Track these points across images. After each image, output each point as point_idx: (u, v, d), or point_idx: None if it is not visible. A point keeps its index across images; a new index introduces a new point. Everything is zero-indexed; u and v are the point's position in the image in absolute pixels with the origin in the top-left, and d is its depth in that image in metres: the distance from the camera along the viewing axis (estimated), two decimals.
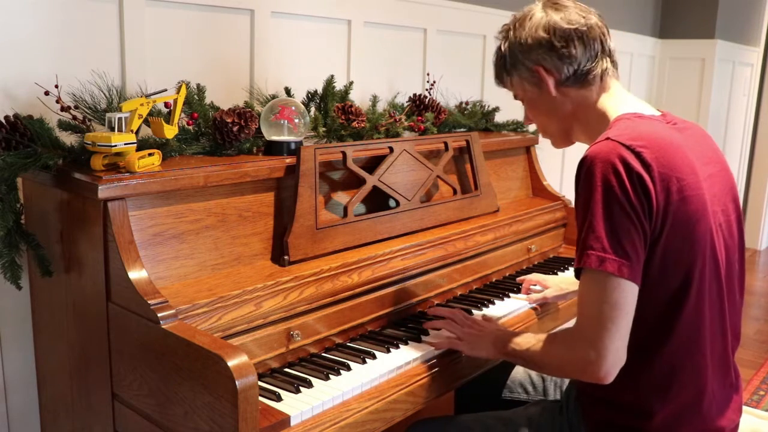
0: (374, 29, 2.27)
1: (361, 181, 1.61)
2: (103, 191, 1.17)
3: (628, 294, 1.10)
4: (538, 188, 2.28)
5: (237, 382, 0.98)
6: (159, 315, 1.12)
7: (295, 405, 1.16)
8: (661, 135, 1.16)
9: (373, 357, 1.36)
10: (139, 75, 1.65)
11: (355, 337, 1.48)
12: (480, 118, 2.29)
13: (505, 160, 2.19)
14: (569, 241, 2.22)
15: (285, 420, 1.11)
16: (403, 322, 1.57)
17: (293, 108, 1.58)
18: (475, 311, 1.64)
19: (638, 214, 1.09)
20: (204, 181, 1.31)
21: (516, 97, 1.39)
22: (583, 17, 1.26)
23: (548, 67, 1.27)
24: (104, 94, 1.40)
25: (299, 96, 1.82)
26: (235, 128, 1.48)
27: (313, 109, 1.80)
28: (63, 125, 1.35)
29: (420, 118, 2.00)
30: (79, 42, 1.55)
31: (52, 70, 1.48)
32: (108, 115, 1.27)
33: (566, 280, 1.79)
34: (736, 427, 1.30)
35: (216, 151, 1.51)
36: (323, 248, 1.49)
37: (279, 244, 1.45)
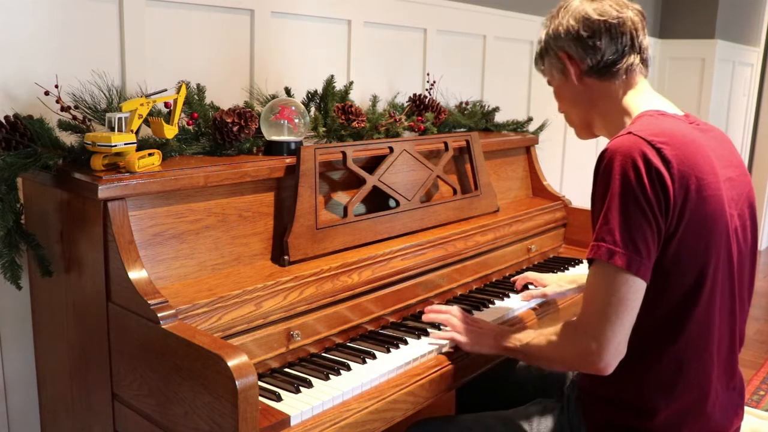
0: (374, 29, 2.27)
1: (361, 181, 1.61)
2: (103, 191, 1.17)
3: (635, 290, 1.10)
4: (538, 188, 2.28)
5: (237, 382, 0.98)
6: (159, 315, 1.12)
7: (295, 405, 1.16)
8: (683, 133, 1.16)
9: (373, 357, 1.36)
10: (139, 75, 1.65)
11: (355, 337, 1.48)
12: (480, 118, 2.29)
13: (505, 160, 2.19)
14: (569, 241, 2.22)
15: (285, 420, 1.11)
16: (403, 322, 1.57)
17: (293, 108, 1.58)
18: (475, 311, 1.63)
19: (654, 210, 1.09)
20: (204, 181, 1.31)
21: (548, 83, 1.42)
22: (617, 10, 1.26)
23: (573, 55, 1.29)
24: (104, 94, 1.40)
25: (299, 96, 1.82)
26: (235, 128, 1.48)
27: (313, 109, 1.80)
28: (63, 125, 1.35)
29: (420, 118, 2.00)
30: (79, 42, 1.55)
31: (52, 70, 1.48)
32: (108, 115, 1.27)
33: (564, 278, 1.80)
34: (738, 429, 1.30)
35: (216, 151, 1.51)
36: (323, 248, 1.49)
37: (279, 244, 1.45)
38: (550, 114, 2.21)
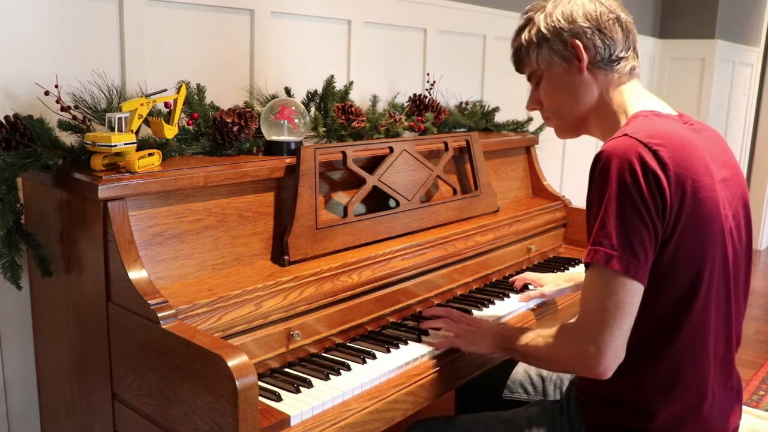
0: (374, 29, 2.27)
1: (361, 181, 1.61)
2: (103, 191, 1.17)
3: (632, 293, 1.10)
4: (538, 188, 2.28)
5: (237, 382, 0.98)
6: (159, 315, 1.12)
7: (295, 405, 1.16)
8: (678, 134, 1.16)
9: (373, 357, 1.36)
10: (139, 75, 1.65)
11: (355, 337, 1.48)
12: (480, 118, 2.29)
13: (505, 160, 2.19)
14: (569, 241, 2.23)
15: (285, 420, 1.11)
16: (403, 322, 1.57)
17: (293, 108, 1.58)
18: (474, 311, 1.64)
19: (651, 213, 1.09)
20: (204, 181, 1.31)
21: (531, 76, 1.35)
22: (624, 12, 1.29)
23: (587, 43, 1.25)
24: (104, 94, 1.40)
25: (299, 96, 1.82)
26: (235, 128, 1.48)
27: (313, 109, 1.80)
28: (63, 125, 1.35)
29: (420, 118, 2.00)
30: (79, 42, 1.55)
31: (52, 70, 1.48)
32: (108, 115, 1.27)
33: (562, 276, 1.80)
34: (736, 429, 1.30)
35: (216, 151, 1.51)
36: (323, 248, 1.49)
37: (279, 244, 1.45)
38: None
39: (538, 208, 2.11)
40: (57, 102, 1.35)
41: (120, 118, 1.26)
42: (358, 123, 1.75)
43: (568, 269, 1.99)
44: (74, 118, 1.36)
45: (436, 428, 1.43)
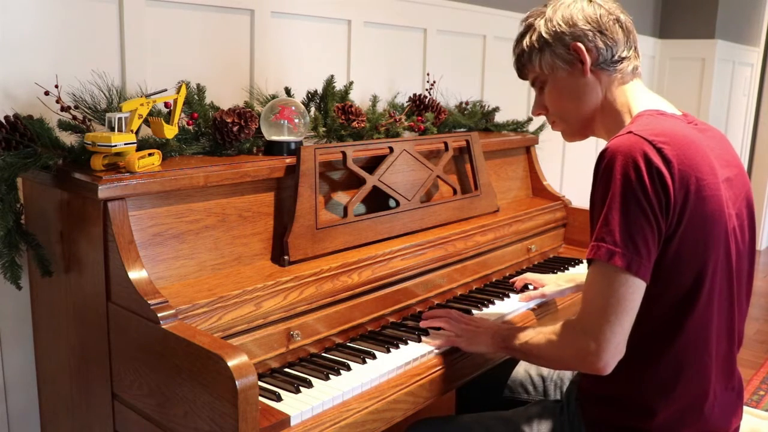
0: (374, 29, 2.27)
1: (361, 181, 1.61)
2: (103, 191, 1.17)
3: (634, 290, 1.10)
4: (538, 188, 2.28)
5: (237, 382, 0.98)
6: (159, 315, 1.12)
7: (295, 405, 1.16)
8: (683, 133, 1.16)
9: (373, 357, 1.36)
10: (139, 75, 1.65)
11: (355, 337, 1.48)
12: (480, 118, 2.29)
13: (505, 160, 2.19)
14: (569, 241, 2.22)
15: (285, 420, 1.11)
16: (403, 322, 1.57)
17: (293, 108, 1.58)
18: (474, 311, 1.64)
19: (654, 210, 1.09)
20: (204, 181, 1.31)
21: (534, 81, 1.36)
22: (623, 13, 1.30)
23: (589, 45, 1.26)
24: (104, 94, 1.40)
25: (299, 96, 1.83)
26: (235, 128, 1.48)
27: (313, 109, 1.80)
28: (63, 125, 1.35)
29: (420, 118, 2.00)
30: (79, 42, 1.55)
31: (52, 70, 1.48)
32: (108, 115, 1.27)
33: (563, 277, 1.80)
34: (737, 429, 1.30)
35: (216, 151, 1.51)
36: (323, 248, 1.49)
37: (279, 244, 1.45)
38: None
39: (538, 208, 2.11)
40: (57, 102, 1.35)
41: (120, 118, 1.26)
42: (358, 123, 1.75)
43: (568, 269, 1.99)
44: (74, 118, 1.36)
45: (436, 428, 1.43)
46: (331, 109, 1.78)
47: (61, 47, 1.52)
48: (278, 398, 1.17)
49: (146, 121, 1.35)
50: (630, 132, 1.14)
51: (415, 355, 1.38)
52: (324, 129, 1.76)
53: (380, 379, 1.29)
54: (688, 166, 1.11)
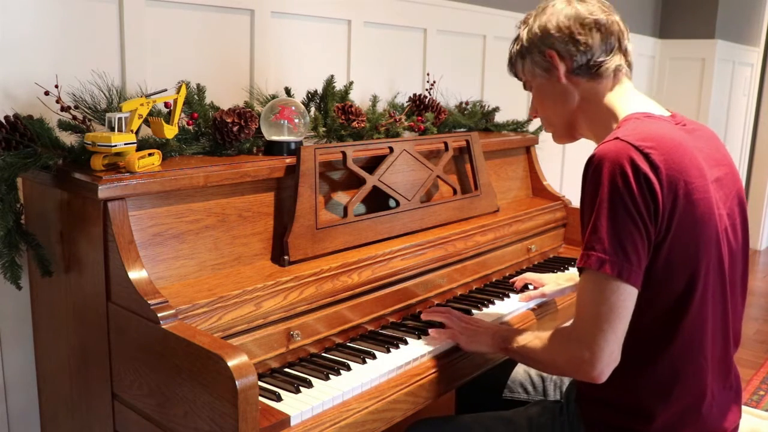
0: (374, 29, 2.27)
1: (361, 181, 1.61)
2: (103, 191, 1.17)
3: (626, 297, 1.10)
4: (538, 188, 2.28)
5: (237, 382, 0.98)
6: (159, 315, 1.12)
7: (295, 405, 1.16)
8: (670, 136, 1.16)
9: (373, 357, 1.36)
10: (139, 75, 1.65)
11: (355, 337, 1.48)
12: (480, 118, 2.29)
13: (505, 160, 2.19)
14: (569, 241, 2.23)
15: (285, 420, 1.11)
16: (403, 322, 1.57)
17: (293, 108, 1.58)
18: (474, 311, 1.64)
19: (643, 216, 1.09)
20: (204, 181, 1.31)
21: (525, 85, 1.40)
22: (605, 12, 1.28)
23: (562, 53, 1.27)
24: (104, 94, 1.40)
25: (299, 96, 1.83)
26: (235, 128, 1.48)
27: (313, 109, 1.80)
28: (63, 125, 1.35)
29: (420, 118, 2.00)
30: (79, 42, 1.55)
31: (52, 70, 1.48)
32: (108, 115, 1.27)
33: (563, 276, 1.80)
34: (736, 428, 1.30)
35: (216, 151, 1.51)
36: (323, 248, 1.49)
37: (279, 244, 1.45)
38: None
39: (538, 208, 2.11)
40: (57, 102, 1.35)
41: (120, 118, 1.26)
42: (358, 123, 1.75)
43: (568, 269, 1.99)
44: (74, 118, 1.36)
45: (436, 428, 1.43)
46: (331, 109, 1.78)
47: (61, 47, 1.52)
48: (278, 398, 1.17)
49: (146, 121, 1.35)
50: (617, 138, 1.13)
51: (415, 355, 1.38)
52: (324, 129, 1.76)
53: (380, 379, 1.29)
54: (675, 170, 1.11)
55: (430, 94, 2.15)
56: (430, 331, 1.47)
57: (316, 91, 1.82)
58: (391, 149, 1.68)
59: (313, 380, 1.24)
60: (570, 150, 3.45)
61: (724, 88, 4.50)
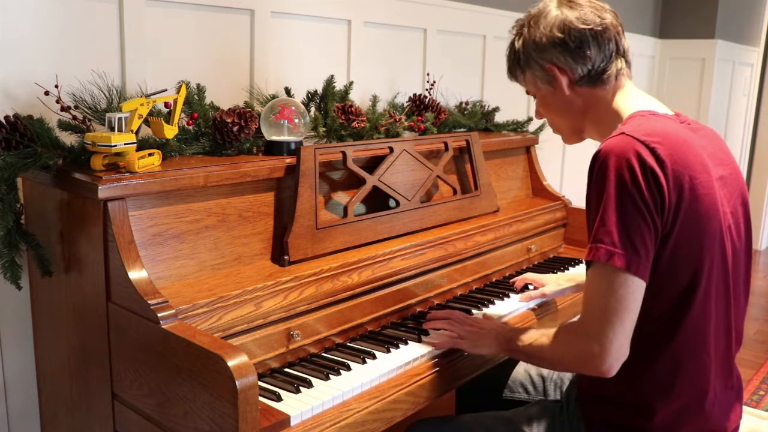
0: (374, 29, 2.27)
1: (361, 181, 1.61)
2: (103, 191, 1.17)
3: (634, 290, 1.10)
4: (538, 188, 2.28)
5: (237, 382, 0.98)
6: (159, 315, 1.12)
7: (295, 405, 1.16)
8: (675, 132, 1.16)
9: (373, 357, 1.36)
10: (139, 75, 1.65)
11: (355, 337, 1.48)
12: (480, 118, 2.29)
13: (505, 160, 2.19)
14: (569, 241, 2.23)
15: (285, 420, 1.11)
16: (403, 322, 1.57)
17: (293, 108, 1.58)
18: (474, 311, 1.64)
19: (650, 209, 1.09)
20: (204, 181, 1.31)
21: (528, 92, 1.40)
22: (599, 16, 1.26)
23: (562, 66, 1.27)
24: (104, 94, 1.40)
25: (299, 96, 1.82)
26: (235, 128, 1.48)
27: (313, 109, 1.80)
28: (63, 125, 1.35)
29: (420, 118, 2.00)
30: (79, 42, 1.55)
31: (52, 70, 1.48)
32: (108, 115, 1.27)
33: (563, 277, 1.80)
34: (737, 428, 1.30)
35: (216, 151, 1.51)
36: (323, 248, 1.49)
37: (279, 244, 1.45)
38: None
39: (538, 208, 2.11)
40: (57, 102, 1.35)
41: (120, 118, 1.26)
42: (358, 123, 1.75)
43: (568, 269, 1.99)
44: (74, 118, 1.36)
45: (436, 428, 1.43)
46: (331, 109, 1.78)
47: (61, 47, 1.52)
48: (278, 398, 1.17)
49: (146, 121, 1.35)
50: (622, 133, 1.14)
51: (415, 355, 1.38)
52: (324, 129, 1.76)
53: (380, 379, 1.29)
54: (681, 165, 1.11)
55: (430, 94, 2.15)
56: (431, 334, 1.47)
57: (316, 91, 1.82)
58: (391, 149, 1.68)
59: (313, 380, 1.24)
60: (570, 150, 3.45)
61: (724, 88, 4.50)
